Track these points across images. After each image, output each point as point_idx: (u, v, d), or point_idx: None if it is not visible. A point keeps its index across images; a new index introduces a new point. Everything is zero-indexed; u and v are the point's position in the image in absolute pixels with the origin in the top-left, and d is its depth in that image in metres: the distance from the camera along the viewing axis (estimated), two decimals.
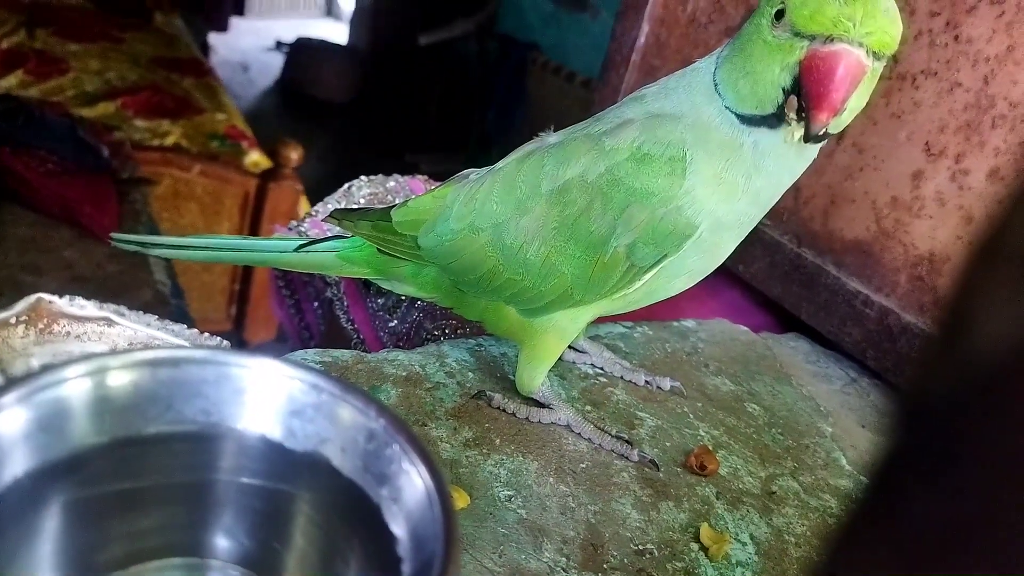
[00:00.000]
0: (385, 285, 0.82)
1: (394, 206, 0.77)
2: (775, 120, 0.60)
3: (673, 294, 0.72)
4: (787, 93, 0.58)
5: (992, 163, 0.84)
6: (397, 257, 0.76)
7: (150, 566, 0.45)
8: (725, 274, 0.72)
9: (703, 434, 0.81)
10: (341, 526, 0.44)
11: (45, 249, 1.59)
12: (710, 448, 0.78)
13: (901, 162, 0.92)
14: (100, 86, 2.82)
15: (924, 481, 0.18)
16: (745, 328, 1.05)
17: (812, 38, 0.56)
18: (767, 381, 0.95)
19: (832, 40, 0.55)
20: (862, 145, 0.96)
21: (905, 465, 0.19)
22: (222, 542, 0.47)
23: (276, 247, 0.82)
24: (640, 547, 0.66)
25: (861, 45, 0.55)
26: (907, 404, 0.19)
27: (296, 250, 0.79)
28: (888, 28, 0.55)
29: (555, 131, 0.74)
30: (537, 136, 0.74)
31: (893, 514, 0.19)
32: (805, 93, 0.57)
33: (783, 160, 0.63)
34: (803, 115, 0.58)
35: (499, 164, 0.73)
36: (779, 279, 1.06)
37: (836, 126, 0.60)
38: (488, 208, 0.70)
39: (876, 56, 0.56)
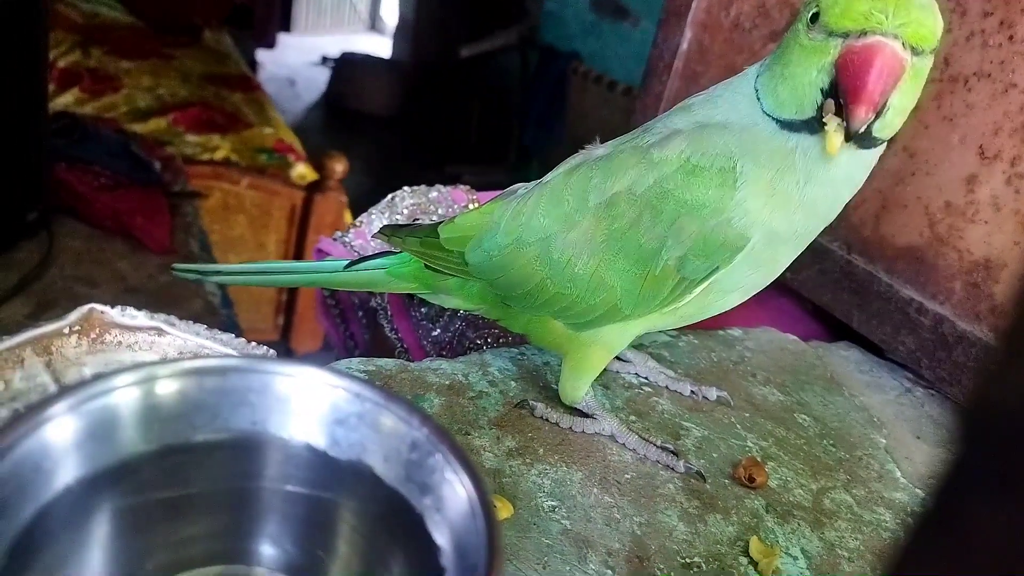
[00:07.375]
0: (432, 299, 0.82)
1: (441, 222, 0.77)
2: (815, 124, 0.59)
3: (726, 309, 0.71)
4: (825, 95, 0.57)
5: None
6: (444, 272, 0.77)
7: (196, 574, 0.46)
8: (773, 282, 0.70)
9: (751, 445, 0.80)
10: (384, 535, 0.44)
11: (99, 261, 1.63)
12: (759, 460, 0.76)
13: (954, 166, 0.89)
14: (152, 102, 2.89)
15: (988, 497, 0.17)
16: (794, 337, 1.03)
17: (846, 35, 0.55)
18: (817, 391, 0.93)
19: (866, 34, 0.54)
20: (913, 149, 0.93)
21: (969, 481, 0.18)
22: (267, 550, 0.47)
23: (327, 268, 0.85)
24: (687, 560, 0.64)
25: (896, 37, 0.54)
26: (971, 418, 0.18)
27: (345, 268, 0.81)
28: (924, 20, 0.54)
29: (601, 142, 0.74)
30: (583, 148, 0.73)
31: (956, 530, 0.18)
32: (842, 90, 0.55)
33: (838, 169, 0.61)
34: (844, 115, 0.56)
35: (546, 177, 0.73)
36: (829, 287, 1.04)
37: (884, 129, 0.58)
38: (535, 222, 0.70)
39: (915, 51, 0.55)
